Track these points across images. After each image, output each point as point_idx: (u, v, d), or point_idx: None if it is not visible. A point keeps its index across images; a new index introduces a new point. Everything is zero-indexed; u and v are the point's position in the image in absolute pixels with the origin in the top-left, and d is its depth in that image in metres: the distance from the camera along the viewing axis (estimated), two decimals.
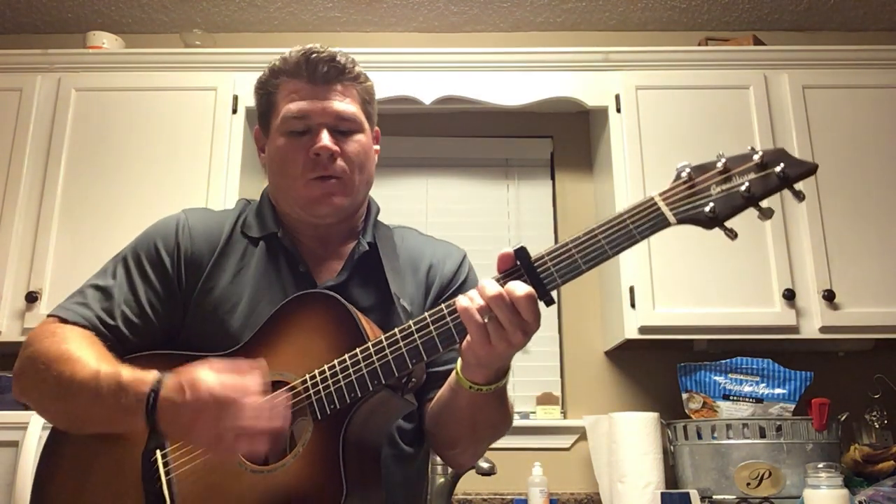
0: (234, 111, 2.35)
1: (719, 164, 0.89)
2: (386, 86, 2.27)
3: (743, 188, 0.87)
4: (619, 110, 2.35)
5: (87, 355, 0.99)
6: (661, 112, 2.33)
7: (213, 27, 2.76)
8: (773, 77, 2.36)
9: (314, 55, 1.13)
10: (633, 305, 2.17)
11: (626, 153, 2.30)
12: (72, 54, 2.45)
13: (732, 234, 0.88)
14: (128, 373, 0.95)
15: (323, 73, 1.13)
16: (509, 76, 2.42)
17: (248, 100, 2.35)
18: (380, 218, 1.26)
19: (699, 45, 2.62)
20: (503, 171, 2.73)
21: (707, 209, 0.88)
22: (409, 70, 2.41)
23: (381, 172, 2.35)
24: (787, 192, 0.88)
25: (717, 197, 0.88)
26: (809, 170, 0.87)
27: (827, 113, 2.33)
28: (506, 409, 1.07)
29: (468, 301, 0.90)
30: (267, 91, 1.17)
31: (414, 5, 2.69)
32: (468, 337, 0.91)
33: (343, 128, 1.13)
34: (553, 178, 2.70)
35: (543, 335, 2.54)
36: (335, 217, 1.15)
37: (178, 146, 2.31)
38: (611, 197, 2.34)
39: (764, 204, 0.88)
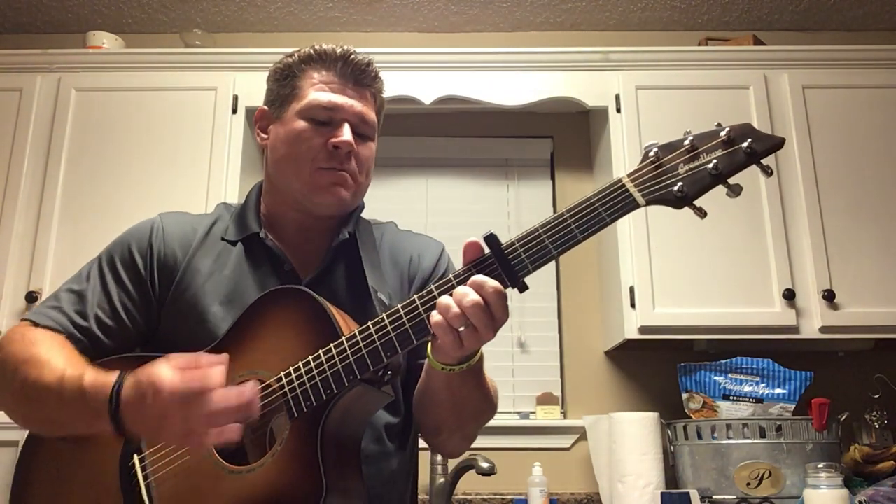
0: (234, 111, 2.34)
1: (686, 142, 0.88)
2: (386, 86, 2.24)
3: (710, 165, 0.86)
4: (619, 110, 2.35)
5: (54, 358, 0.98)
6: (661, 112, 2.33)
7: (213, 27, 2.76)
8: (773, 77, 2.36)
9: (353, 56, 1.15)
10: (633, 305, 2.17)
11: (626, 153, 2.30)
12: (72, 54, 2.44)
13: (702, 213, 0.87)
14: (91, 375, 0.93)
15: (357, 75, 1.15)
16: (509, 76, 2.42)
17: (248, 100, 2.35)
18: (376, 218, 1.26)
19: (699, 45, 2.62)
20: (503, 171, 2.72)
21: (675, 189, 0.86)
22: (409, 70, 2.40)
23: (381, 172, 2.36)
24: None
25: (684, 176, 0.87)
26: (776, 144, 0.86)
27: (827, 113, 2.32)
28: (485, 390, 1.06)
29: (440, 314, 0.89)
30: (292, 73, 1.16)
31: (414, 5, 2.69)
32: (439, 341, 0.91)
33: (362, 131, 1.15)
34: (553, 178, 2.70)
35: (543, 335, 2.54)
36: (336, 210, 1.15)
37: (178, 146, 2.31)
38: None
39: (732, 181, 0.87)
